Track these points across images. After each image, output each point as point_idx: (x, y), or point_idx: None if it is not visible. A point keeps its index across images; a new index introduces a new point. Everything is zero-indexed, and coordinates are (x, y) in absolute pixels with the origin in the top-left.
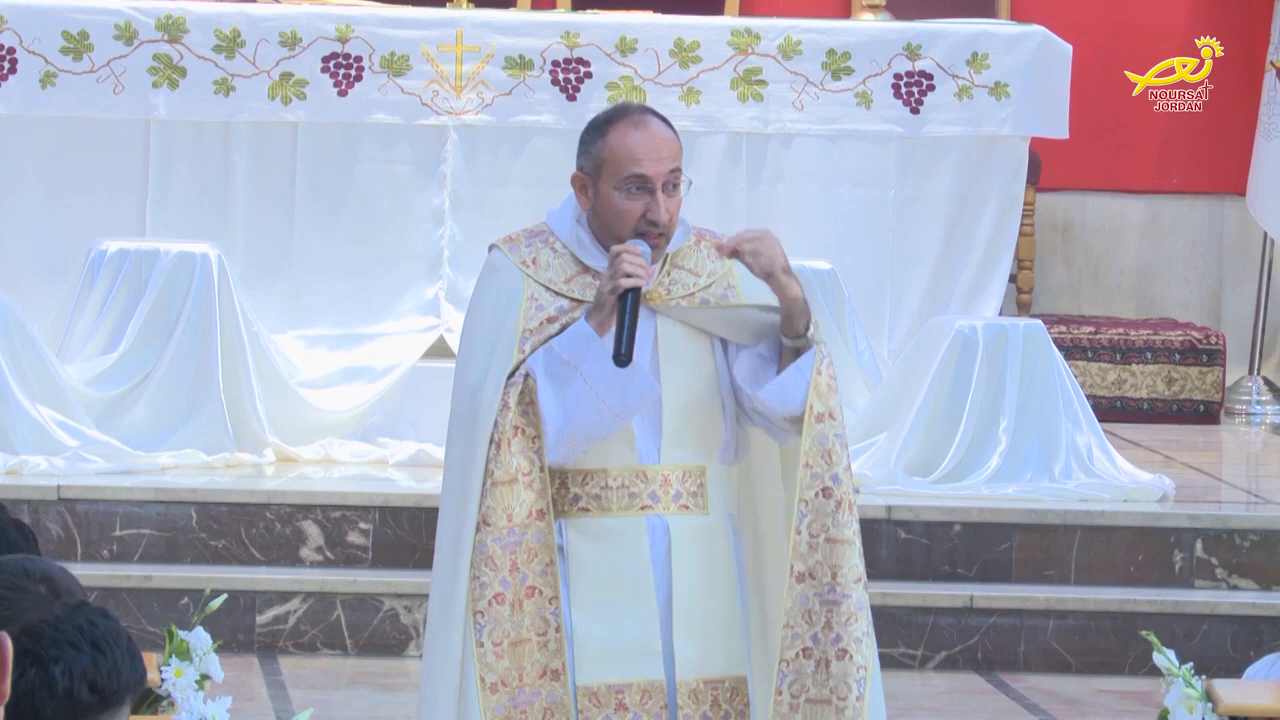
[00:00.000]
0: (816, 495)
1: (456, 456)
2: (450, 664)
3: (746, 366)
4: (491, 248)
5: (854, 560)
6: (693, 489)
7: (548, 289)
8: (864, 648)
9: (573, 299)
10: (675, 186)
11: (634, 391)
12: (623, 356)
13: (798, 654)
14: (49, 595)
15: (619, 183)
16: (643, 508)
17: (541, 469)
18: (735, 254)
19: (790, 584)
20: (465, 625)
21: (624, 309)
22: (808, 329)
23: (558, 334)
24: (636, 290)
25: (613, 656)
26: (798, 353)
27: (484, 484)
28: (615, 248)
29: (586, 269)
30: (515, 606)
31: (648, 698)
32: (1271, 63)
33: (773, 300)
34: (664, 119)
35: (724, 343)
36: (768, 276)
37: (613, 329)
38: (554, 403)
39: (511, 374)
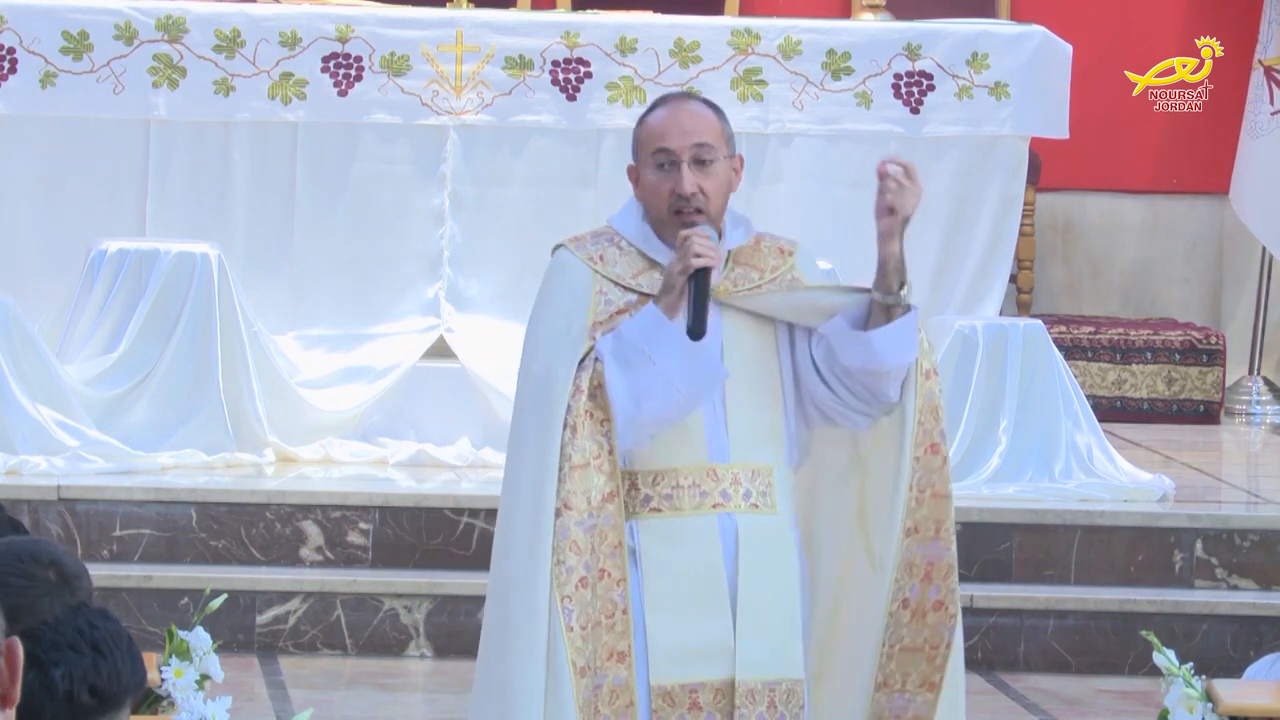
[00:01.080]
0: (926, 451)
1: (528, 444)
2: (536, 651)
3: (825, 344)
4: (557, 248)
5: (952, 513)
6: (761, 488)
7: (616, 284)
8: (956, 598)
9: (641, 294)
10: (706, 163)
11: (703, 374)
12: (695, 330)
13: (899, 605)
14: (58, 581)
15: (648, 159)
16: (714, 506)
17: (610, 452)
18: (883, 175)
19: (899, 538)
20: (553, 611)
21: (695, 287)
22: (902, 285)
23: None
24: (707, 270)
25: (687, 656)
26: (888, 311)
27: (562, 469)
28: (684, 231)
29: (654, 264)
30: (592, 589)
31: (720, 697)
32: (1259, 61)
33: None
34: (707, 102)
35: (790, 339)
36: (888, 213)
37: (684, 309)
38: (623, 386)
39: (582, 360)
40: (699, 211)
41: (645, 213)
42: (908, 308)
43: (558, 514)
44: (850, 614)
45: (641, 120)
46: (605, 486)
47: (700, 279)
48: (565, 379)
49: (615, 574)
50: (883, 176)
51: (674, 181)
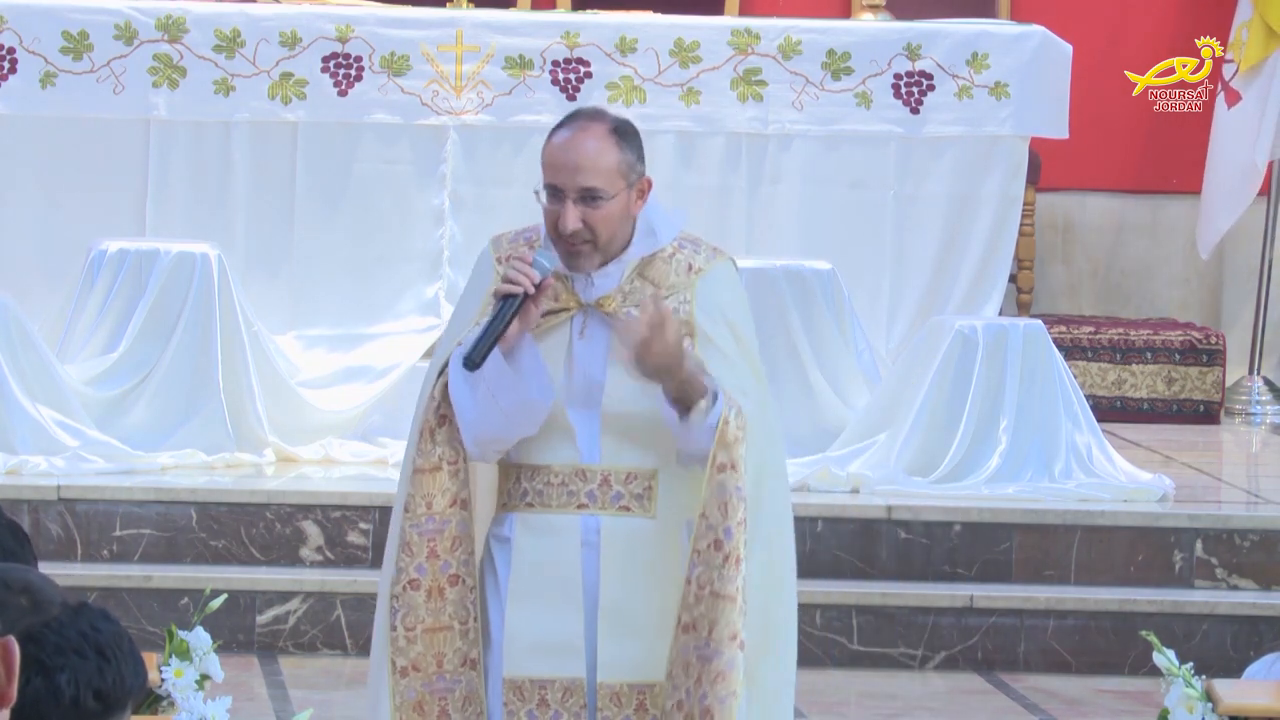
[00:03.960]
0: (709, 547)
1: (406, 449)
2: (379, 647)
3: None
4: (490, 242)
5: (733, 617)
6: (637, 491)
7: None
8: (729, 709)
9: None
10: (595, 200)
11: (524, 397)
12: (471, 361)
13: (673, 705)
14: (29, 607)
15: (542, 186)
16: (579, 506)
17: (466, 459)
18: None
19: (676, 634)
20: (383, 609)
21: (495, 315)
22: (688, 411)
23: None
24: (517, 298)
25: (538, 651)
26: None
27: (406, 472)
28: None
29: None
30: (434, 593)
31: (569, 695)
32: (1225, 60)
33: (716, 342)
34: (616, 127)
35: None
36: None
37: (546, 331)
38: (467, 398)
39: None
40: (586, 242)
41: None
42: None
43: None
44: None
45: (549, 136)
46: (460, 492)
47: (506, 307)
48: (432, 384)
49: (469, 580)
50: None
51: (558, 214)
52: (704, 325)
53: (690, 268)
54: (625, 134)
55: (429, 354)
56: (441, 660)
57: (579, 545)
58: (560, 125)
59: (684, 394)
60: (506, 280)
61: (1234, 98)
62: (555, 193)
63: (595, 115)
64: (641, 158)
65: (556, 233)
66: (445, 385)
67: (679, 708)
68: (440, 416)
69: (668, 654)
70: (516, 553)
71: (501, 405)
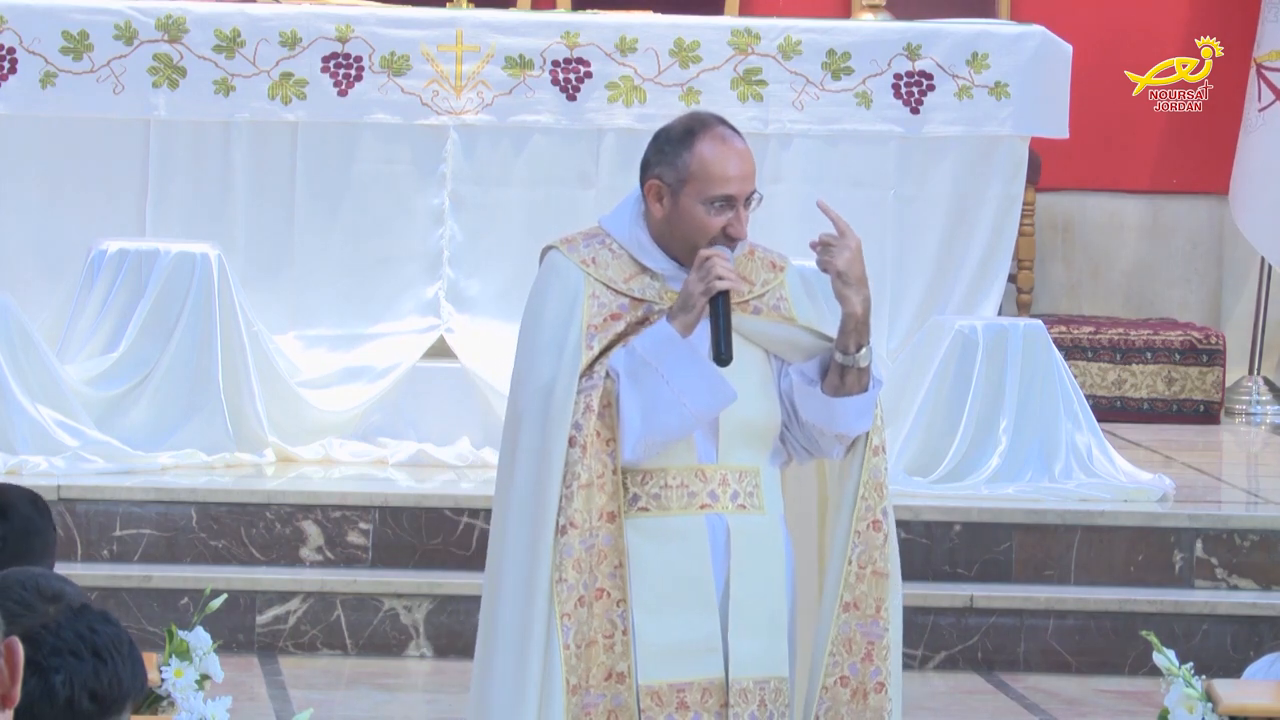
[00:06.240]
0: (868, 527)
1: (528, 458)
2: (530, 667)
3: (791, 382)
4: (549, 249)
5: (897, 595)
6: (749, 489)
7: (608, 287)
8: (895, 681)
9: (633, 298)
10: (748, 201)
11: (715, 394)
12: (724, 356)
13: (836, 681)
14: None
15: (706, 199)
16: (702, 506)
17: (615, 471)
18: (819, 243)
19: (837, 612)
20: (549, 628)
21: (718, 311)
22: (858, 349)
23: (625, 332)
24: (727, 293)
25: (674, 655)
26: (842, 370)
27: (569, 487)
28: (704, 251)
29: (645, 269)
30: (589, 608)
31: (708, 696)
32: (1255, 60)
33: (821, 328)
34: (738, 131)
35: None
36: (834, 275)
37: (699, 330)
38: (635, 404)
39: (583, 373)
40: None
41: (640, 219)
42: (867, 377)
43: (563, 531)
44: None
45: (688, 148)
46: (607, 506)
47: (721, 302)
48: (567, 393)
49: (615, 594)
50: (813, 246)
51: (727, 221)
52: (805, 315)
53: (773, 265)
54: None
55: (441, 356)
56: (589, 675)
57: (706, 546)
58: (701, 134)
59: (867, 318)
60: (718, 277)
61: None
62: (728, 202)
63: (721, 120)
64: None
65: (714, 240)
66: (600, 398)
67: (843, 683)
68: (596, 432)
69: (827, 634)
70: (636, 560)
71: (690, 408)
